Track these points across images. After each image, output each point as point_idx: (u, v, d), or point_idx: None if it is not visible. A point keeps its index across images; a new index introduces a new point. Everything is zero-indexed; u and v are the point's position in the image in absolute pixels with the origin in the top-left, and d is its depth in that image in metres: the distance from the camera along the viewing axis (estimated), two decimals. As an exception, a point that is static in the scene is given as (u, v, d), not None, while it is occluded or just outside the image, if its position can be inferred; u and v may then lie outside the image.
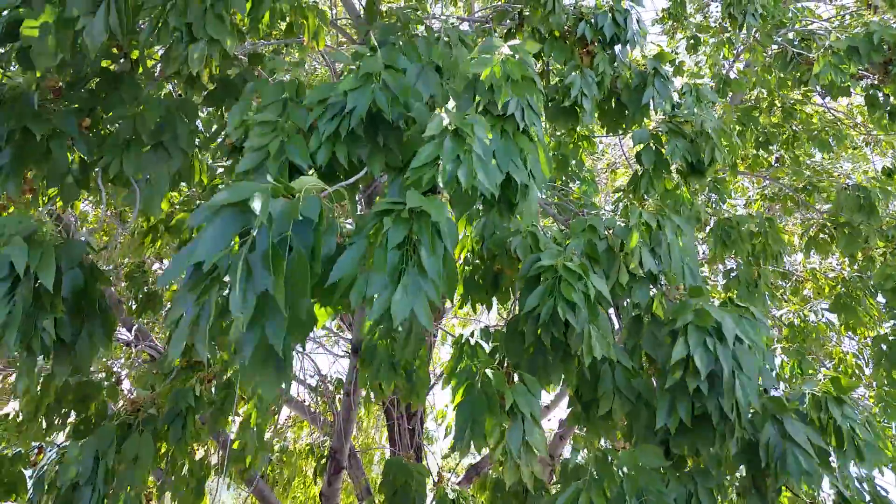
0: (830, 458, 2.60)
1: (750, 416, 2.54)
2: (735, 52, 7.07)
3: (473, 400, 2.55)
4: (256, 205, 1.43)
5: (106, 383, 4.31)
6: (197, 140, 3.39)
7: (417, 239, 1.71)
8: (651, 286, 2.83)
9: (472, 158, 1.96)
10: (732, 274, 5.95)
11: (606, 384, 2.64)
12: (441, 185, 1.93)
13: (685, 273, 2.79)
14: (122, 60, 3.20)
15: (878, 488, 3.51)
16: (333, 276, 1.65)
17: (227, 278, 1.40)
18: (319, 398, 7.47)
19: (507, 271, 2.97)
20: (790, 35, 5.90)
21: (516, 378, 2.59)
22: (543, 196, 3.66)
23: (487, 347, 2.89)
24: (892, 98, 5.17)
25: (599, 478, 2.38)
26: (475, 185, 1.93)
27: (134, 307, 5.50)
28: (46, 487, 3.45)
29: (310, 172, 2.30)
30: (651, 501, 2.28)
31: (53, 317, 2.27)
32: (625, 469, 2.36)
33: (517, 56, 2.39)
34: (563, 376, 2.58)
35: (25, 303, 2.17)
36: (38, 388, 4.06)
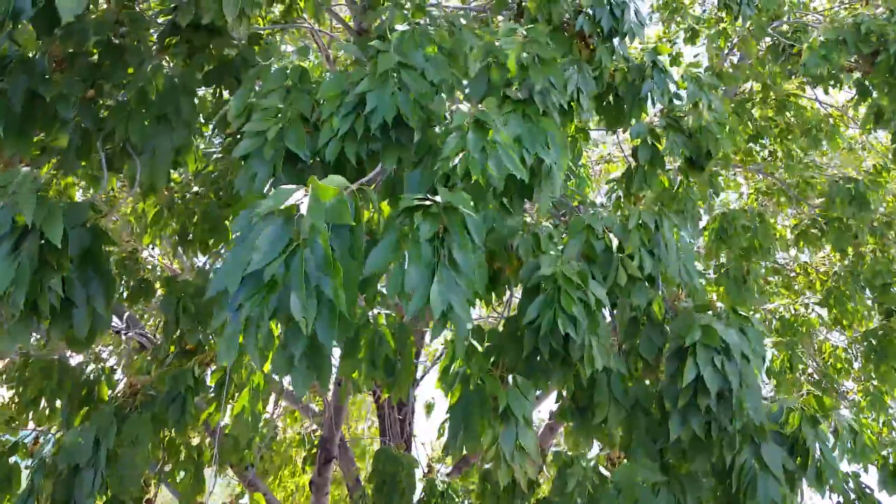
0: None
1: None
2: (730, 44, 7.06)
3: (467, 402, 2.55)
4: (306, 211, 1.48)
5: (100, 370, 4.30)
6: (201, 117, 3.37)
7: (448, 234, 1.75)
8: (650, 288, 2.82)
9: (497, 149, 2.00)
10: (723, 269, 5.95)
11: (602, 392, 2.65)
12: (471, 174, 1.95)
13: (682, 273, 2.79)
14: (123, 31, 3.17)
15: (863, 486, 3.55)
16: (366, 270, 1.69)
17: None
18: (310, 388, 7.46)
19: (506, 268, 2.95)
20: (784, 27, 5.89)
21: (510, 379, 2.60)
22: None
23: (481, 348, 2.86)
24: (874, 90, 5.13)
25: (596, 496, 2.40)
26: (497, 176, 1.98)
27: (125, 295, 5.44)
28: (45, 473, 3.42)
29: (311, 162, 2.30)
30: None
31: (61, 275, 2.19)
32: (620, 486, 2.39)
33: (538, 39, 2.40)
34: (561, 382, 2.58)
35: (31, 260, 2.11)
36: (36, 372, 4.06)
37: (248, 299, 1.44)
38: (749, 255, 5.87)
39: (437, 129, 2.29)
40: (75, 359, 4.80)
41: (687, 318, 2.55)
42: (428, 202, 1.79)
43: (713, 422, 2.40)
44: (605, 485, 2.43)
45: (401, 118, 2.25)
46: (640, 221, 2.77)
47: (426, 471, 6.10)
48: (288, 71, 2.46)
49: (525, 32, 2.52)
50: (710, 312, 2.62)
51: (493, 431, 2.47)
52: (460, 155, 2.01)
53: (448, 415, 2.60)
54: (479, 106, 2.18)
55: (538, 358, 2.51)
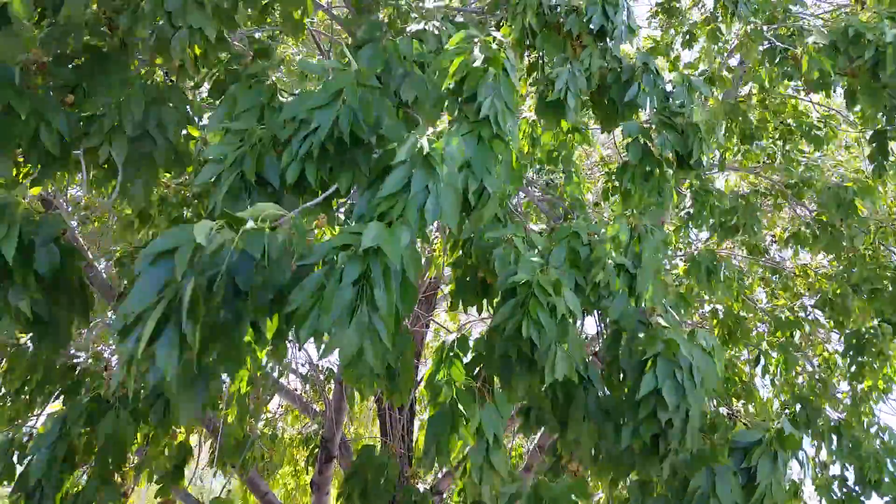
0: None
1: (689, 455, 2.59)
2: (730, 47, 7.06)
3: (441, 417, 2.55)
4: (179, 256, 1.53)
5: (95, 368, 4.32)
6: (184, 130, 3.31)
7: (371, 276, 1.71)
8: (629, 299, 2.82)
9: (439, 189, 1.98)
10: (694, 258, 5.89)
11: (577, 409, 2.66)
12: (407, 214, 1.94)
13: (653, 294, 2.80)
14: (110, 38, 3.10)
15: (851, 488, 3.56)
16: (290, 307, 1.69)
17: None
18: (311, 387, 7.51)
19: (489, 280, 2.97)
20: (781, 31, 5.88)
21: (489, 392, 2.60)
22: (515, 199, 3.64)
23: (465, 358, 2.85)
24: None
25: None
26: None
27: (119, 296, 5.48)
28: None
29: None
30: None
31: (30, 295, 2.17)
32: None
33: (494, 46, 2.38)
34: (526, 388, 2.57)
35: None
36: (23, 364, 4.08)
37: (119, 343, 1.54)
38: (730, 234, 5.77)
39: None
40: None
41: (652, 332, 2.57)
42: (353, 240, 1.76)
43: (661, 437, 2.42)
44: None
45: (358, 138, 2.23)
46: (616, 234, 2.79)
47: (408, 474, 6.09)
48: (262, 88, 2.43)
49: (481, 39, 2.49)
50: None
51: (463, 446, 2.49)
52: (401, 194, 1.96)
53: (425, 428, 2.60)
54: (432, 130, 2.14)
55: (508, 364, 2.50)
